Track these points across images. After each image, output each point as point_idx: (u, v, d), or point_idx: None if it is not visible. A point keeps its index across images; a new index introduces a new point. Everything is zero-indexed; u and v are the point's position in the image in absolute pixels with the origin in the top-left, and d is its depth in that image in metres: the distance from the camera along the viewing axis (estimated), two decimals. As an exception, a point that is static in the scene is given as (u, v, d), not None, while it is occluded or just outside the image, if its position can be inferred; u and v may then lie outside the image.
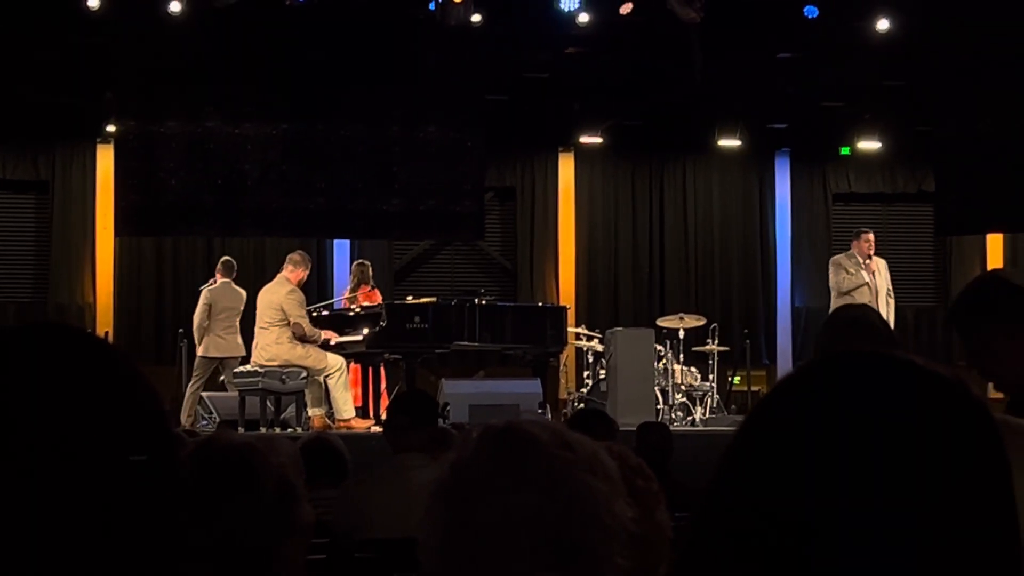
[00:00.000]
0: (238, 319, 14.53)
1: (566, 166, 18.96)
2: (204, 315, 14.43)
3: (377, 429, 12.52)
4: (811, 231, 19.42)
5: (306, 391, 13.69)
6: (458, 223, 16.10)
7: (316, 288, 16.78)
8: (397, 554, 5.50)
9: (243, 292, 14.66)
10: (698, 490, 1.31)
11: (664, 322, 15.78)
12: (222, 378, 14.59)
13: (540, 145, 18.74)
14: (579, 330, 15.93)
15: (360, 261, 15.58)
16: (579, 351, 16.20)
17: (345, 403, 13.73)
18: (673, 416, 14.85)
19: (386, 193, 15.57)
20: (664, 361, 15.13)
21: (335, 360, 13.70)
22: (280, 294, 13.71)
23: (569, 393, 16.01)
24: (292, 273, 13.88)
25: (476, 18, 14.75)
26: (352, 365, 14.26)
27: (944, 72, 15.68)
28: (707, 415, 15.21)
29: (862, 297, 14.26)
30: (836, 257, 15.28)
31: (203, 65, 14.90)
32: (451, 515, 1.75)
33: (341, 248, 17.92)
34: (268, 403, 13.62)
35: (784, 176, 19.46)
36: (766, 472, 1.24)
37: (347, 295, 15.14)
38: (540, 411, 13.49)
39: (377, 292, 15.04)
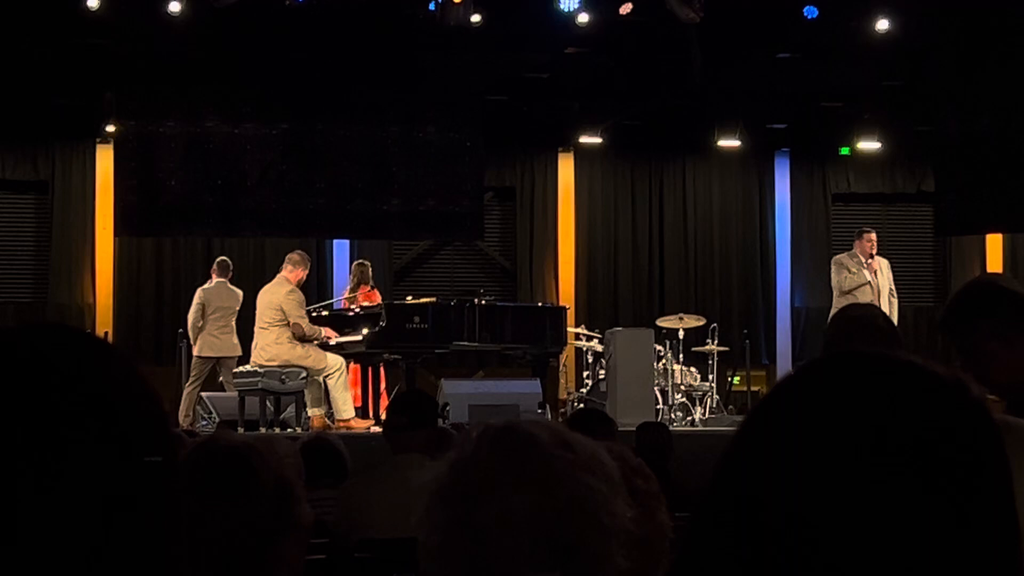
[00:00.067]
0: (234, 319, 14.54)
1: (565, 166, 18.96)
2: (198, 314, 14.47)
3: (377, 429, 12.51)
4: (810, 231, 19.42)
5: (306, 391, 13.69)
6: (457, 223, 16.10)
7: (316, 288, 16.78)
8: (396, 554, 5.50)
9: (239, 292, 14.67)
10: (698, 490, 1.31)
11: (664, 322, 15.78)
12: (221, 379, 14.60)
13: (539, 145, 18.74)
14: (579, 330, 15.93)
15: (360, 261, 15.58)
16: (579, 351, 16.20)
17: (345, 403, 13.72)
18: (673, 416, 14.85)
19: (385, 193, 15.57)
20: (664, 361, 15.13)
21: (335, 360, 13.70)
22: (279, 294, 13.71)
23: (569, 393, 16.00)
24: (291, 273, 13.88)
25: (476, 18, 14.75)
26: (352, 365, 14.26)
27: (943, 72, 15.68)
28: (707, 415, 15.21)
29: (864, 296, 14.25)
30: (838, 256, 15.27)
31: (202, 65, 14.90)
32: (451, 515, 1.75)
33: (340, 248, 17.92)
34: (268, 403, 13.62)
35: (784, 176, 19.46)
36: (766, 472, 1.24)
37: (347, 295, 15.13)
38: (539, 411, 13.50)
39: (376, 292, 15.04)
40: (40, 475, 1.27)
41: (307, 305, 14.17)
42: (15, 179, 17.68)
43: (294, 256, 14.08)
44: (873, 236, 15.07)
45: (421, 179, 15.61)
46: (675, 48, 15.29)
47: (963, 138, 15.66)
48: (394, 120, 15.60)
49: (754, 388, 16.72)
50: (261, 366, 13.56)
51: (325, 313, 14.81)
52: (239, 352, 14.44)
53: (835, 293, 14.80)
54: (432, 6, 14.76)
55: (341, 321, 14.30)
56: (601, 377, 15.02)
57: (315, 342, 13.79)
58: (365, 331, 13.84)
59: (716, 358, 15.81)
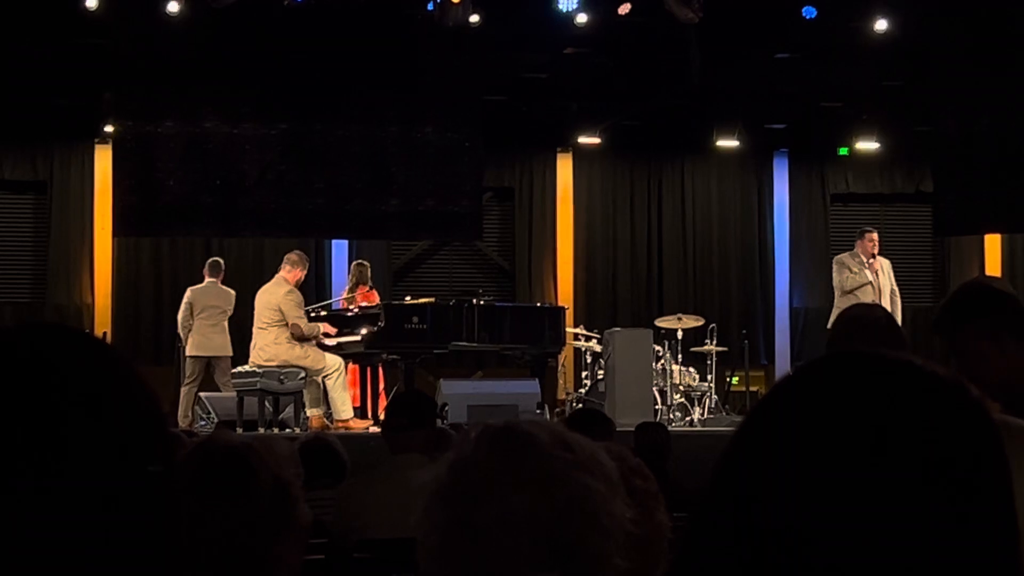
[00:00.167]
0: (225, 319, 14.55)
1: (564, 166, 18.97)
2: (186, 314, 14.52)
3: (375, 429, 12.51)
4: (809, 231, 19.43)
5: (304, 391, 13.69)
6: (456, 223, 16.08)
7: (314, 288, 16.79)
8: (395, 554, 5.50)
9: (230, 292, 14.68)
10: (696, 491, 1.31)
11: (662, 322, 15.78)
12: (216, 379, 14.59)
13: (538, 145, 18.74)
14: (577, 330, 15.93)
15: (358, 261, 15.59)
16: (577, 351, 16.20)
17: (343, 403, 13.73)
18: (671, 416, 14.85)
19: (384, 193, 15.56)
20: (662, 361, 15.12)
21: (333, 360, 13.70)
22: (278, 295, 13.71)
23: (567, 393, 16.00)
24: (290, 273, 13.88)
25: (474, 18, 14.76)
26: (350, 365, 14.26)
27: (942, 72, 15.67)
28: (705, 415, 15.21)
29: (865, 296, 14.24)
30: (840, 256, 15.26)
31: (201, 65, 14.89)
32: (449, 515, 1.75)
33: (339, 248, 17.92)
34: (266, 403, 13.62)
35: (782, 176, 19.47)
36: (765, 473, 1.24)
37: (345, 295, 15.14)
38: (538, 411, 13.50)
39: (375, 292, 15.05)
40: (39, 475, 1.27)
41: (306, 305, 14.17)
42: (14, 179, 17.69)
43: (292, 256, 14.08)
44: (875, 236, 15.07)
45: (420, 179, 15.60)
46: (674, 48, 15.29)
47: (962, 138, 15.64)
48: (393, 120, 15.59)
49: (753, 388, 16.71)
50: (260, 366, 13.56)
51: (324, 313, 14.82)
52: (230, 352, 14.45)
53: (837, 293, 14.79)
54: (431, 6, 14.76)
55: (340, 321, 14.31)
56: (600, 377, 15.02)
57: (314, 342, 13.79)
58: (364, 331, 13.85)
59: (715, 358, 15.81)
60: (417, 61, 15.30)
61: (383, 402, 13.74)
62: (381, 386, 14.37)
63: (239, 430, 12.65)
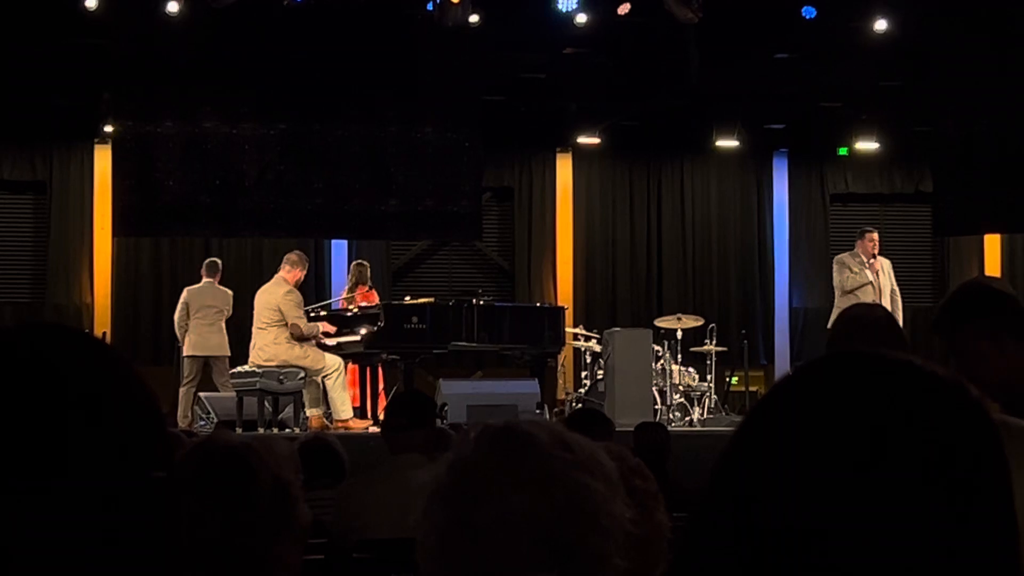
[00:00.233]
0: (222, 319, 14.55)
1: (564, 166, 18.97)
2: (182, 313, 14.54)
3: (375, 429, 12.51)
4: (809, 232, 19.43)
5: (304, 391, 13.69)
6: (455, 223, 16.08)
7: (314, 288, 16.79)
8: (395, 555, 5.50)
9: (227, 292, 14.69)
10: (696, 490, 1.31)
11: (662, 322, 15.78)
12: (213, 379, 14.59)
13: (538, 145, 18.74)
14: (577, 330, 15.93)
15: (358, 261, 15.58)
16: (577, 351, 16.20)
17: (343, 403, 13.73)
18: (671, 416, 14.85)
19: (384, 193, 15.55)
20: (662, 361, 15.12)
21: (333, 360, 13.70)
22: (277, 295, 13.71)
23: (567, 393, 16.00)
24: (289, 273, 13.88)
25: (474, 18, 14.76)
26: (350, 365, 14.26)
27: (941, 72, 15.67)
28: (705, 415, 15.20)
29: (866, 296, 14.24)
30: (840, 256, 15.25)
31: (200, 65, 14.89)
32: (449, 515, 1.75)
33: (339, 248, 17.92)
34: (266, 403, 13.62)
35: (782, 176, 19.47)
36: (764, 473, 1.24)
37: (345, 295, 15.14)
38: (537, 411, 13.50)
39: (375, 292, 15.05)
40: (39, 475, 1.27)
41: (305, 305, 14.17)
42: (13, 179, 17.69)
43: (292, 256, 14.09)
44: (875, 236, 15.06)
45: (419, 179, 15.60)
46: (673, 48, 15.29)
47: (962, 138, 15.64)
48: (392, 120, 15.59)
49: (752, 388, 16.71)
50: (259, 366, 13.56)
51: (323, 313, 14.81)
52: (227, 352, 14.45)
53: (837, 293, 14.78)
54: (430, 6, 14.76)
55: (339, 321, 14.31)
56: (599, 377, 15.02)
57: (313, 342, 13.79)
58: (363, 331, 13.84)
59: (714, 358, 15.81)
60: (417, 61, 15.30)
61: (383, 402, 13.73)
62: (381, 386, 14.37)
63: (239, 430, 12.65)
